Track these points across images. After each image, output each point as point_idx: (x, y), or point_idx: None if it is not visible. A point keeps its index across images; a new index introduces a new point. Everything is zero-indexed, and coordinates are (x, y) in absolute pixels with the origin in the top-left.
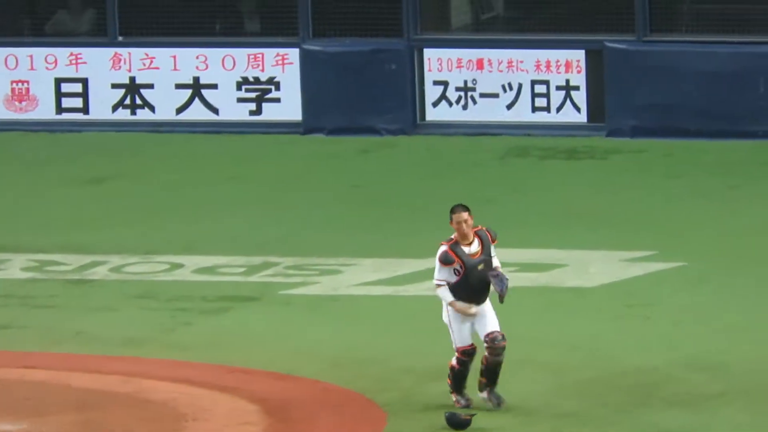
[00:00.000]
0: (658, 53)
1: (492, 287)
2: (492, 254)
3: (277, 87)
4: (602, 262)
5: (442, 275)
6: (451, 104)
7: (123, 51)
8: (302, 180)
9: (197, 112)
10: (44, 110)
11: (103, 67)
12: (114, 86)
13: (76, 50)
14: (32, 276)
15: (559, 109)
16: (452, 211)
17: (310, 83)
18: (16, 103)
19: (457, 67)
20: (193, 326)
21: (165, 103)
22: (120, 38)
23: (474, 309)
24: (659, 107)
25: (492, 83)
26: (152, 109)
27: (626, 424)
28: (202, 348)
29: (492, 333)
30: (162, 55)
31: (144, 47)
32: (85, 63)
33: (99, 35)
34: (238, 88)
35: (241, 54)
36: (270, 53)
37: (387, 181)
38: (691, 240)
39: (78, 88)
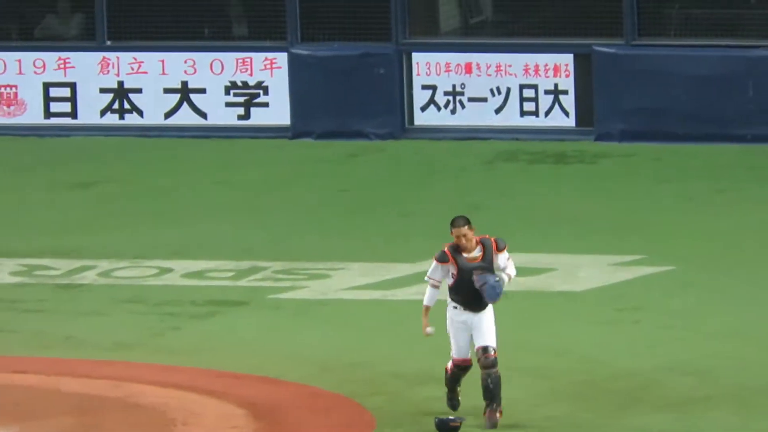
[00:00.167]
0: (646, 57)
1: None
2: (499, 263)
3: (266, 91)
4: (591, 266)
5: (435, 274)
6: (439, 108)
7: (111, 55)
8: (291, 184)
9: (186, 117)
10: (32, 115)
11: (91, 72)
12: (102, 91)
13: (64, 54)
14: (21, 281)
15: (547, 114)
16: (452, 223)
17: (299, 87)
18: (4, 107)
19: (446, 71)
20: (181, 331)
21: (153, 108)
22: (108, 43)
23: (430, 329)
24: (648, 111)
25: (480, 87)
26: (140, 113)
27: (615, 428)
28: (191, 352)
29: (482, 346)
30: (150, 59)
31: (132, 51)
32: (73, 67)
33: (87, 40)
34: (227, 92)
35: (229, 58)
36: (258, 57)
37: (375, 186)
38: (680, 244)
39: (66, 92)
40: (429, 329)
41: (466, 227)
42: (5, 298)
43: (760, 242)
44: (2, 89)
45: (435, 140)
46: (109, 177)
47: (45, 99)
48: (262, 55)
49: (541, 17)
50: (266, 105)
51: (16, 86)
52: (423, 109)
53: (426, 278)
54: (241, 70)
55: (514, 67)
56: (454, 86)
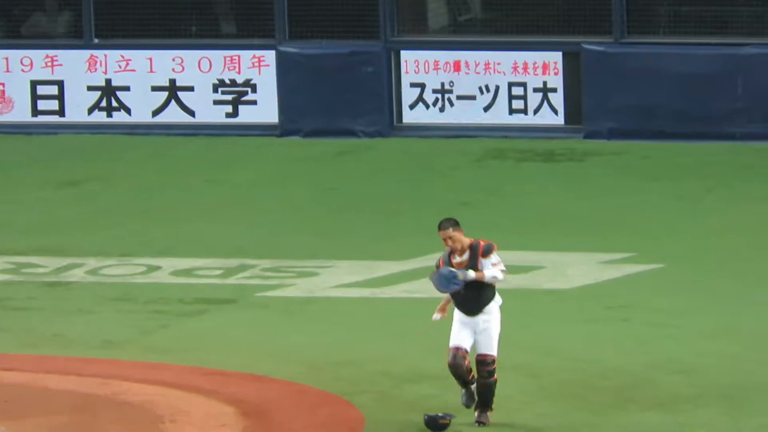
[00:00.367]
0: (635, 55)
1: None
2: (485, 268)
3: (254, 89)
4: (580, 264)
5: None
6: (428, 106)
7: (99, 53)
8: (279, 182)
9: (173, 115)
10: (20, 112)
11: (78, 70)
12: (90, 88)
13: (51, 52)
14: (9, 278)
15: (536, 111)
16: (438, 226)
17: (287, 85)
18: None
19: (434, 69)
20: (170, 328)
21: (141, 106)
22: (96, 40)
23: (436, 315)
24: (637, 109)
25: (469, 85)
26: (128, 111)
27: (604, 427)
28: (179, 350)
29: (482, 355)
30: (138, 57)
31: (120, 49)
32: (60, 65)
33: (75, 37)
34: (215, 90)
35: (217, 56)
36: (246, 55)
37: (364, 184)
38: (669, 242)
39: (54, 90)
40: (436, 315)
41: (450, 229)
42: None
43: (749, 240)
44: None
45: (423, 138)
46: (97, 175)
47: (32, 97)
48: (250, 53)
49: (530, 15)
50: (254, 103)
51: (3, 84)
52: (411, 107)
53: None
54: (229, 67)
55: (503, 65)
56: (442, 84)
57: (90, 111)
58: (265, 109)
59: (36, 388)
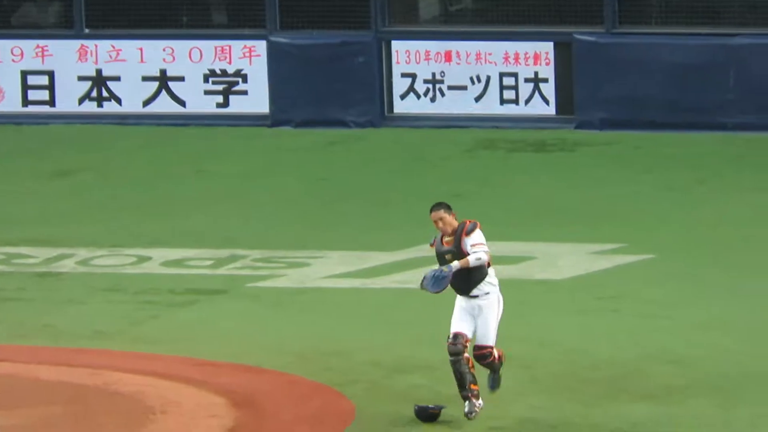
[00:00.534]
0: (627, 45)
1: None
2: (466, 247)
3: (245, 79)
4: (571, 254)
5: None
6: (419, 96)
7: (89, 43)
8: (270, 173)
9: (164, 105)
10: (10, 103)
11: (69, 60)
12: (80, 78)
13: (42, 42)
14: None
15: (527, 102)
16: (431, 208)
17: (278, 76)
18: None
19: (425, 59)
20: (160, 319)
21: (131, 96)
22: (86, 30)
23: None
24: (628, 99)
25: (460, 75)
26: (119, 101)
27: (595, 417)
28: (169, 341)
29: (478, 348)
30: (128, 47)
31: (110, 39)
32: (51, 55)
33: (65, 27)
34: (205, 80)
35: (208, 46)
36: (237, 45)
37: (355, 174)
38: (660, 233)
39: (44, 80)
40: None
41: (442, 211)
42: None
43: (740, 231)
44: None
45: (414, 128)
46: (88, 165)
47: (23, 87)
48: (240, 43)
49: (521, 5)
50: (245, 93)
51: None
52: (402, 97)
53: None
54: (219, 58)
55: (494, 55)
56: (433, 74)
57: (81, 101)
58: (256, 99)
59: (27, 378)
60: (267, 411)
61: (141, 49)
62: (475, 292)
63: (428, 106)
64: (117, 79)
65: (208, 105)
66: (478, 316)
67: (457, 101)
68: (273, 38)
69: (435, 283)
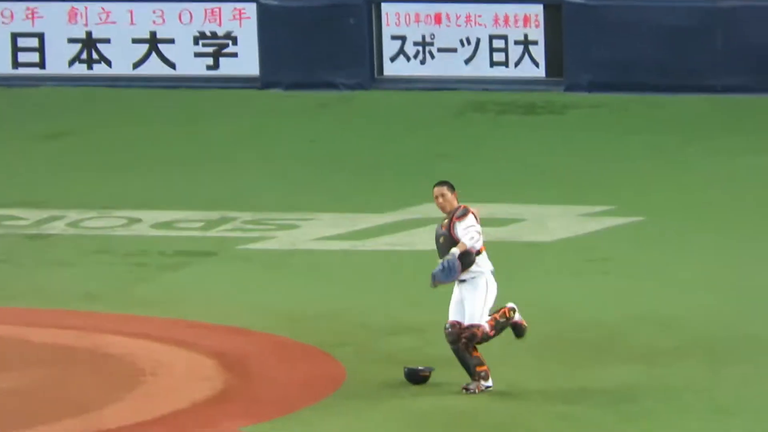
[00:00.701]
0: (616, 8)
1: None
2: (457, 232)
3: (235, 42)
4: (560, 217)
5: None
6: (409, 59)
7: (79, 5)
8: (260, 135)
9: (154, 67)
10: (0, 65)
11: (59, 22)
12: (70, 41)
13: (32, 5)
14: None
15: (517, 64)
16: (434, 184)
17: (268, 38)
18: None
19: (415, 21)
20: (150, 281)
21: (122, 58)
22: None
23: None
24: (617, 62)
25: (450, 38)
26: (109, 63)
27: (583, 379)
28: (159, 303)
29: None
30: (118, 9)
31: (100, 2)
32: (41, 17)
33: None
34: (195, 42)
35: (198, 8)
36: (227, 8)
37: (344, 136)
38: (649, 195)
39: (34, 42)
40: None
41: (445, 188)
42: None
43: (729, 193)
44: None
45: (404, 91)
46: (78, 127)
47: (13, 49)
48: (231, 6)
49: None
50: (235, 55)
51: None
52: (392, 59)
53: None
54: (209, 20)
55: (484, 18)
56: (423, 37)
57: (71, 63)
58: (245, 61)
59: (17, 340)
60: (257, 373)
61: (131, 11)
62: (463, 276)
63: (418, 69)
64: (107, 41)
65: (198, 67)
66: (465, 299)
67: (447, 64)
68: (263, 0)
69: (445, 274)
